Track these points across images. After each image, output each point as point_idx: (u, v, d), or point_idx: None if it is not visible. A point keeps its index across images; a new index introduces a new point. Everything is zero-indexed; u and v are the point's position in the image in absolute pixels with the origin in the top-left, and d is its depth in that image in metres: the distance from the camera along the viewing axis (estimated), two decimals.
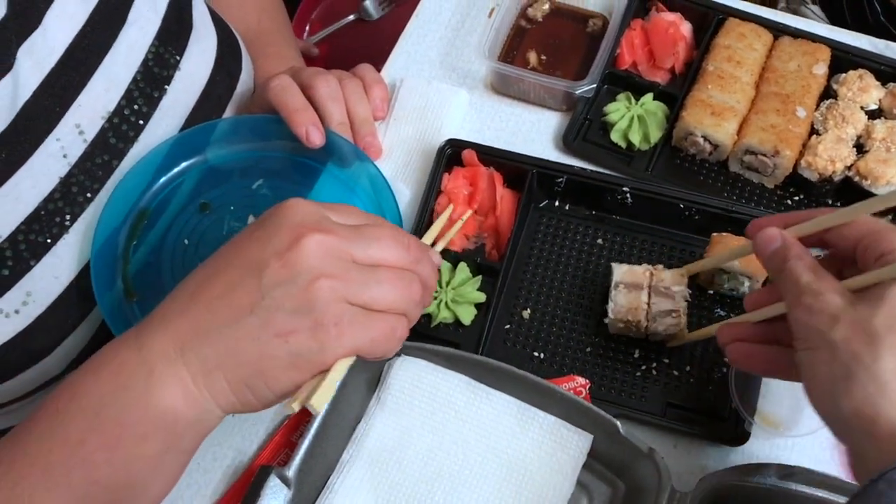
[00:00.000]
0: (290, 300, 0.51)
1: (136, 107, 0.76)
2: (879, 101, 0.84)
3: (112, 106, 0.74)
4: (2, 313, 0.68)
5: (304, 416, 0.74)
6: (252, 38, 0.94)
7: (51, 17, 0.69)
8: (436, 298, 0.76)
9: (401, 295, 0.54)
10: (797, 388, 0.72)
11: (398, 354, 0.72)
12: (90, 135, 0.73)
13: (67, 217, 0.72)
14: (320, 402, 0.52)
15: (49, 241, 0.70)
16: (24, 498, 0.51)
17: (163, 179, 0.80)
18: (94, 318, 0.76)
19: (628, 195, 0.79)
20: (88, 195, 0.73)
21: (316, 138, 0.78)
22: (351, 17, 1.48)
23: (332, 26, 1.47)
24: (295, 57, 1.03)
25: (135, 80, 0.76)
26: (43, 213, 0.69)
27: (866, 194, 0.79)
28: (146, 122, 0.77)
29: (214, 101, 0.84)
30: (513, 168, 0.81)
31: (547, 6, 0.94)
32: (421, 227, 0.79)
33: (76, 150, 0.72)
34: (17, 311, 0.69)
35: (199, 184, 0.82)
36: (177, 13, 0.80)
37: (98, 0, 0.73)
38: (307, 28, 1.49)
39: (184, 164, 0.82)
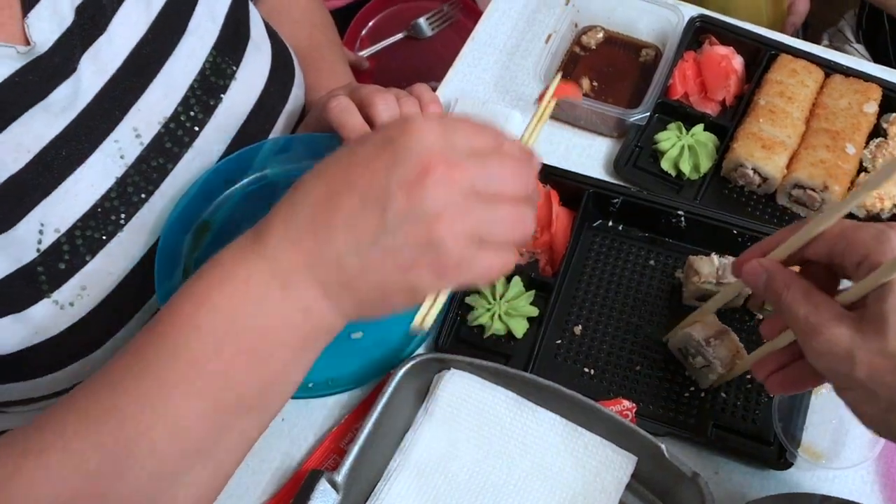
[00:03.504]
0: (414, 236, 0.51)
1: (192, 113, 0.78)
2: None
3: (169, 112, 0.77)
4: (57, 304, 0.71)
5: (353, 423, 0.75)
6: (304, 52, 0.97)
7: (115, 24, 0.72)
8: (489, 310, 0.78)
9: (517, 231, 0.55)
10: (840, 420, 0.74)
11: (447, 368, 0.74)
12: (147, 138, 0.75)
13: (122, 216, 0.74)
14: (428, 324, 0.58)
15: (104, 237, 0.73)
16: (160, 403, 0.52)
17: (225, 193, 0.82)
18: (145, 314, 0.78)
19: (683, 219, 0.81)
20: (143, 196, 0.75)
21: None
22: (400, 35, 1.51)
23: (382, 42, 1.50)
24: (345, 72, 1.05)
25: (192, 87, 0.78)
26: (99, 210, 0.72)
27: None
28: (201, 128, 0.79)
29: (268, 111, 0.86)
30: (570, 187, 0.83)
31: (601, 35, 0.96)
32: None
33: (133, 152, 0.74)
34: (71, 304, 0.71)
35: (260, 198, 0.84)
36: (234, 24, 0.83)
37: (160, 9, 0.76)
38: (357, 44, 1.52)
39: (245, 179, 0.84)
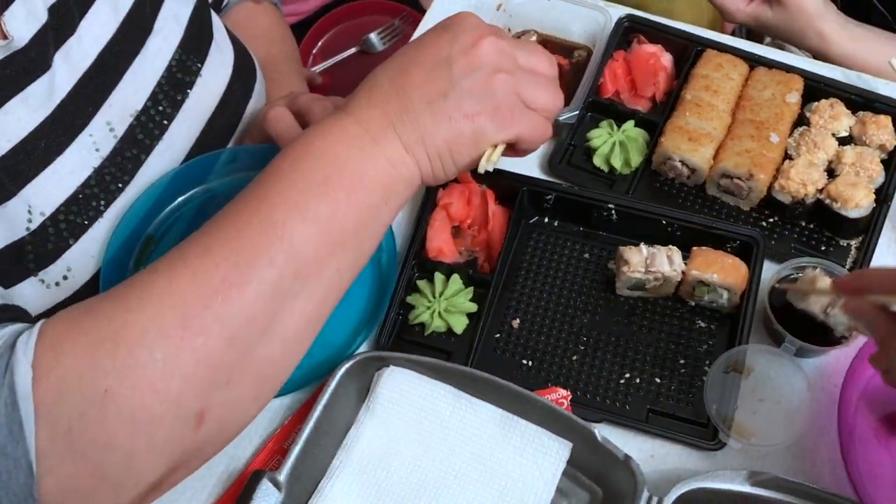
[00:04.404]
0: (476, 88, 0.64)
1: (161, 108, 0.83)
2: (850, 128, 0.88)
3: (139, 106, 0.81)
4: (43, 284, 0.75)
5: (296, 424, 0.77)
6: (260, 66, 1.00)
7: (84, 26, 0.77)
8: (429, 308, 0.80)
9: (553, 99, 0.68)
10: (770, 401, 0.76)
11: (387, 365, 0.75)
12: (119, 131, 0.80)
13: (102, 203, 0.78)
14: (493, 164, 0.67)
15: (86, 222, 0.77)
16: (278, 225, 0.59)
17: (169, 207, 0.85)
18: None
19: (613, 212, 0.83)
20: (120, 185, 0.80)
21: None
22: (353, 50, 1.54)
23: (335, 58, 1.53)
24: (300, 86, 1.08)
25: (160, 83, 0.83)
26: (80, 196, 0.76)
27: (837, 216, 0.82)
28: (170, 122, 0.84)
29: (232, 107, 0.91)
30: (504, 186, 0.85)
31: (534, 38, 0.98)
32: (417, 240, 0.83)
33: (107, 145, 0.78)
34: (57, 284, 0.76)
35: (203, 211, 0.86)
36: (198, 25, 0.88)
37: (127, 11, 0.80)
38: (310, 60, 1.54)
39: (189, 193, 0.86)
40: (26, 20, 0.71)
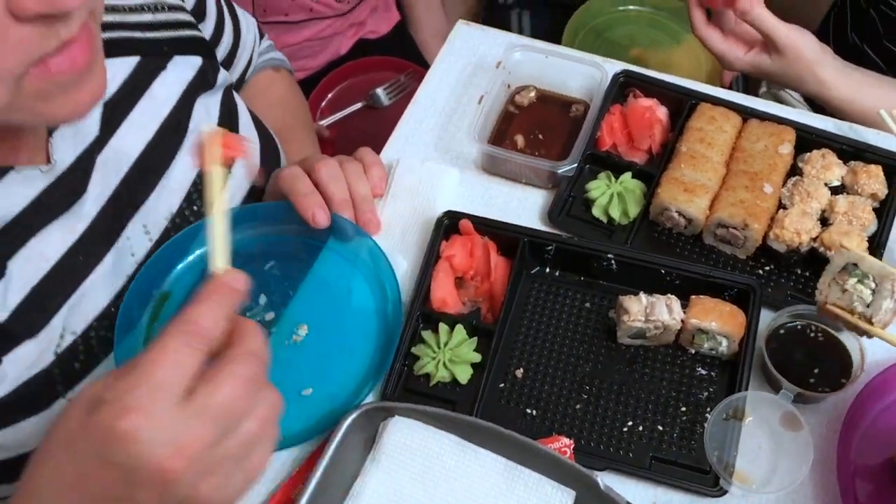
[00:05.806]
0: None
1: (195, 207, 0.85)
2: (842, 178, 0.90)
3: (175, 208, 0.83)
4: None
5: (305, 473, 0.78)
6: (276, 132, 1.04)
7: (124, 129, 0.78)
8: (434, 359, 0.82)
9: (263, 461, 0.52)
10: (770, 447, 0.77)
11: (392, 415, 0.77)
12: (155, 234, 0.82)
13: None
14: None
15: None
16: None
17: (182, 265, 0.86)
18: None
19: (613, 262, 0.86)
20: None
21: (321, 219, 0.85)
22: (359, 105, 1.58)
23: (342, 112, 1.57)
24: (313, 150, 1.13)
25: (194, 183, 0.85)
26: (113, 309, 0.77)
27: None
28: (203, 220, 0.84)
29: (259, 194, 0.94)
30: (506, 237, 0.88)
31: (533, 94, 1.02)
32: (421, 292, 0.85)
33: (142, 248, 0.80)
34: None
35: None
36: (228, 121, 0.90)
37: (167, 114, 0.82)
38: (318, 114, 1.58)
39: (204, 249, 0.88)
40: (74, 140, 0.72)
